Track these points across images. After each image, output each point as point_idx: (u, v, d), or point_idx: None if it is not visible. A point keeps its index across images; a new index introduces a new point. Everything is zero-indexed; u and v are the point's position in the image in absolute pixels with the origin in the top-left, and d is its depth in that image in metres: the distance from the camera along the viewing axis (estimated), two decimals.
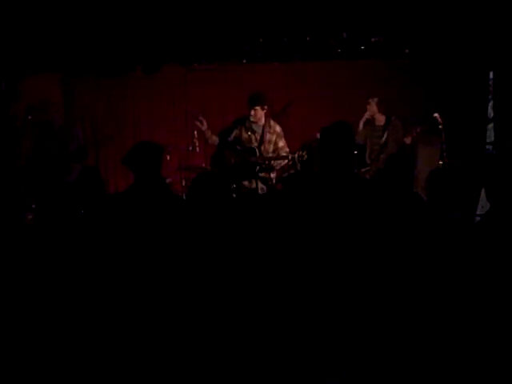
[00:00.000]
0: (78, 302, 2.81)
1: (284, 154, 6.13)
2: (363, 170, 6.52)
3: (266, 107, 6.12)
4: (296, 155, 6.02)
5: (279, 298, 2.48)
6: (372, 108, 6.67)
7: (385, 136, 6.55)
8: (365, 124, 6.71)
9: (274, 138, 6.18)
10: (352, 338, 2.44)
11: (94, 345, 2.59)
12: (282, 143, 6.19)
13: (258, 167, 6.13)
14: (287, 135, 6.38)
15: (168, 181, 6.78)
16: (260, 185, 6.14)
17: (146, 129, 7.84)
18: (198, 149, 6.85)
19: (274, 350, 2.37)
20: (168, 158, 6.53)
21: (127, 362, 2.50)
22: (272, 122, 6.22)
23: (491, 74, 7.39)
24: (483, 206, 6.23)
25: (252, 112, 6.09)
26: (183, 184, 6.58)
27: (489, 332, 2.51)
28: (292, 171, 6.74)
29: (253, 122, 6.17)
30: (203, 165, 7.09)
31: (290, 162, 6.19)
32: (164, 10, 6.72)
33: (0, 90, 7.24)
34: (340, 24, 7.15)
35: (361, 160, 6.60)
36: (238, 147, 6.22)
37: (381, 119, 6.66)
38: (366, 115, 6.70)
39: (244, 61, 7.61)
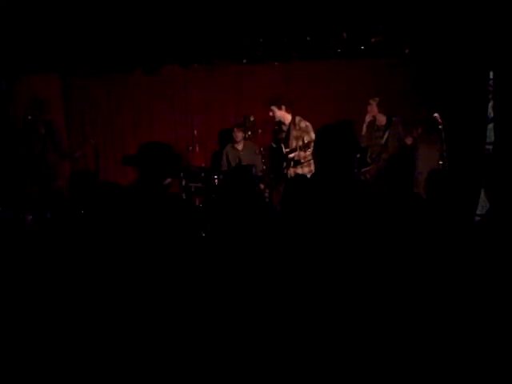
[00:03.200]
0: (78, 301, 2.82)
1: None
2: (363, 170, 6.52)
3: (282, 107, 6.39)
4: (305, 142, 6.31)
5: (279, 298, 2.48)
6: (373, 108, 6.67)
7: (385, 136, 6.55)
8: (367, 126, 6.72)
9: (300, 134, 6.37)
10: (352, 337, 2.44)
11: (94, 344, 2.59)
12: (308, 138, 6.34)
13: (284, 163, 6.35)
14: None
15: (168, 181, 6.80)
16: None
17: (146, 129, 7.84)
18: (197, 149, 6.87)
19: (275, 350, 2.37)
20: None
21: (127, 361, 2.50)
22: (297, 119, 6.42)
23: (491, 74, 7.38)
24: (483, 206, 6.24)
25: (270, 113, 6.44)
26: (183, 184, 6.59)
27: (489, 332, 2.51)
28: None
29: (281, 122, 6.46)
30: (203, 165, 7.10)
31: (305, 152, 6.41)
32: (164, 10, 6.72)
33: (0, 89, 7.25)
34: (340, 24, 7.15)
35: (362, 160, 6.60)
36: (274, 145, 6.55)
37: (382, 119, 6.66)
38: (368, 117, 6.71)
39: (244, 61, 7.61)
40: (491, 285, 2.68)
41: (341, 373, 2.36)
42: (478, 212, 6.43)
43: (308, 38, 7.31)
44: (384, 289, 2.62)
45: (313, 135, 6.35)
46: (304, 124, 6.40)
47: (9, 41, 6.74)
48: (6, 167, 6.41)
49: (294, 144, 6.35)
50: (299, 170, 6.37)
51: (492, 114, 7.40)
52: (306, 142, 6.23)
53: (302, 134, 6.36)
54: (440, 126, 6.30)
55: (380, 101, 6.66)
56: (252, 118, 6.59)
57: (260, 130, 6.95)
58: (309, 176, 6.26)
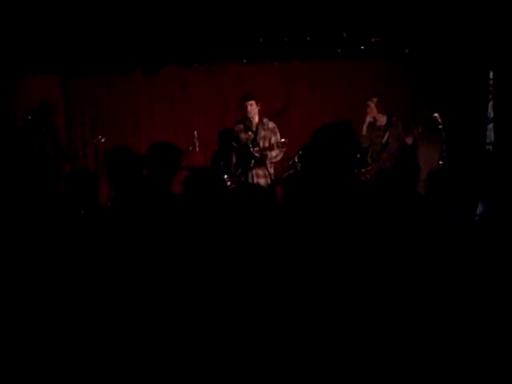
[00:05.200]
0: (79, 301, 2.82)
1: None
2: (363, 170, 6.52)
3: (259, 104, 6.39)
4: (281, 141, 6.32)
5: (277, 298, 2.48)
6: (372, 110, 6.67)
7: (386, 136, 6.55)
8: (367, 126, 6.72)
9: (268, 135, 6.40)
10: (351, 337, 2.44)
11: (94, 344, 2.60)
12: (274, 139, 6.39)
13: (252, 161, 6.33)
14: (287, 135, 6.43)
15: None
16: (256, 180, 6.30)
17: (146, 129, 7.84)
18: (197, 149, 6.87)
19: (274, 350, 2.37)
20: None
21: (127, 362, 2.50)
22: (265, 120, 6.45)
23: (491, 74, 7.38)
24: (483, 206, 6.24)
25: (248, 107, 6.37)
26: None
27: (489, 332, 2.51)
28: (292, 171, 6.76)
29: (249, 121, 6.40)
30: (203, 165, 7.10)
31: (281, 153, 6.44)
32: (164, 10, 6.72)
33: (0, 89, 7.25)
34: (340, 24, 7.15)
35: (362, 160, 6.61)
36: (235, 144, 6.43)
37: (382, 119, 6.66)
38: (368, 119, 6.71)
39: (244, 61, 7.61)
40: (491, 284, 2.68)
41: (339, 372, 2.36)
42: (477, 212, 6.43)
43: (308, 38, 7.31)
44: (383, 289, 2.62)
45: (279, 136, 6.40)
46: (272, 125, 6.46)
47: (9, 41, 6.73)
48: (6, 167, 6.40)
49: (261, 144, 6.37)
50: (260, 172, 6.38)
51: (492, 114, 7.40)
52: (282, 141, 6.28)
53: (270, 134, 6.41)
54: (440, 126, 6.30)
55: (378, 101, 6.65)
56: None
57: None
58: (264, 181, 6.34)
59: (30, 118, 6.60)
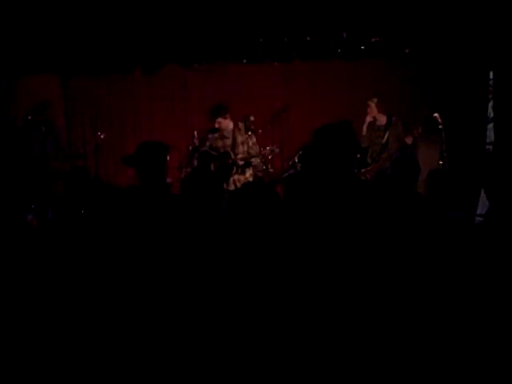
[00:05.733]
0: (78, 301, 2.82)
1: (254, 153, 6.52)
2: (364, 170, 6.52)
3: (227, 115, 6.50)
4: (267, 150, 6.51)
5: (277, 299, 2.48)
6: (372, 109, 6.67)
7: (386, 136, 6.55)
8: (367, 126, 6.73)
9: (245, 140, 6.52)
10: (351, 338, 2.44)
11: (94, 345, 2.59)
12: (251, 141, 6.52)
13: (234, 168, 6.45)
14: (287, 135, 6.45)
15: (168, 181, 6.79)
16: (238, 186, 6.38)
17: (146, 129, 7.85)
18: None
19: (274, 349, 2.37)
20: (168, 157, 6.60)
21: (127, 362, 2.50)
22: (240, 125, 6.55)
23: (491, 74, 7.38)
24: (483, 205, 6.24)
25: (216, 125, 6.49)
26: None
27: (489, 332, 2.51)
28: (292, 171, 6.77)
29: (224, 130, 6.51)
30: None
31: (263, 159, 6.59)
32: (164, 10, 6.72)
33: (0, 89, 7.24)
34: (340, 24, 7.15)
35: (362, 160, 6.61)
36: (214, 153, 6.50)
37: (382, 119, 6.66)
38: (368, 119, 6.71)
39: (244, 61, 7.61)
40: (491, 285, 2.68)
41: (340, 372, 2.36)
42: (477, 212, 6.43)
43: (308, 38, 7.31)
44: (383, 289, 2.62)
45: (255, 140, 6.52)
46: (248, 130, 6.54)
47: (9, 41, 6.73)
48: (6, 167, 6.40)
49: (241, 149, 6.45)
50: (242, 178, 6.45)
51: (492, 114, 7.40)
52: (269, 148, 6.44)
53: (247, 139, 6.49)
54: (440, 126, 6.30)
55: (378, 100, 6.66)
56: (252, 118, 6.59)
57: (260, 130, 6.95)
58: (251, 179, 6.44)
59: (29, 117, 6.59)
